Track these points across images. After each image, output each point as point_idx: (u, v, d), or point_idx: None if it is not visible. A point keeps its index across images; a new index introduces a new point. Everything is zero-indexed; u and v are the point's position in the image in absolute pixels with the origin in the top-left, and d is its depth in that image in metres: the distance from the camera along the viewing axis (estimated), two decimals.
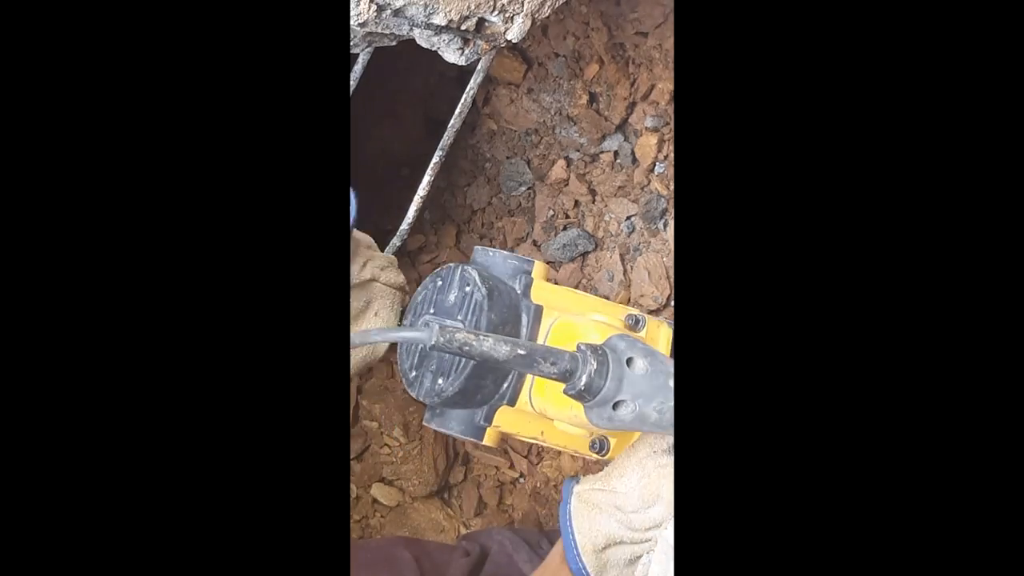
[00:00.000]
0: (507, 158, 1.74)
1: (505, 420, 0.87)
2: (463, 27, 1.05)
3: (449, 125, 1.16)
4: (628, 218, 1.66)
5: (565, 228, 1.69)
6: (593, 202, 1.69)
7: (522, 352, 0.73)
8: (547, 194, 1.71)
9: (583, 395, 0.74)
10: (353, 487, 1.64)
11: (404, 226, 1.15)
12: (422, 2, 1.00)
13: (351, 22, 1.00)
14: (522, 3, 1.07)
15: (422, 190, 1.15)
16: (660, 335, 0.89)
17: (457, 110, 1.16)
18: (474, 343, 0.73)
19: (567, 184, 1.70)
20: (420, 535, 1.60)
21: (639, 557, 0.81)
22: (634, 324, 0.89)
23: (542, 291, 0.87)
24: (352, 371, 0.98)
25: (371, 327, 0.95)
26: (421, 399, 0.88)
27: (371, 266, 0.97)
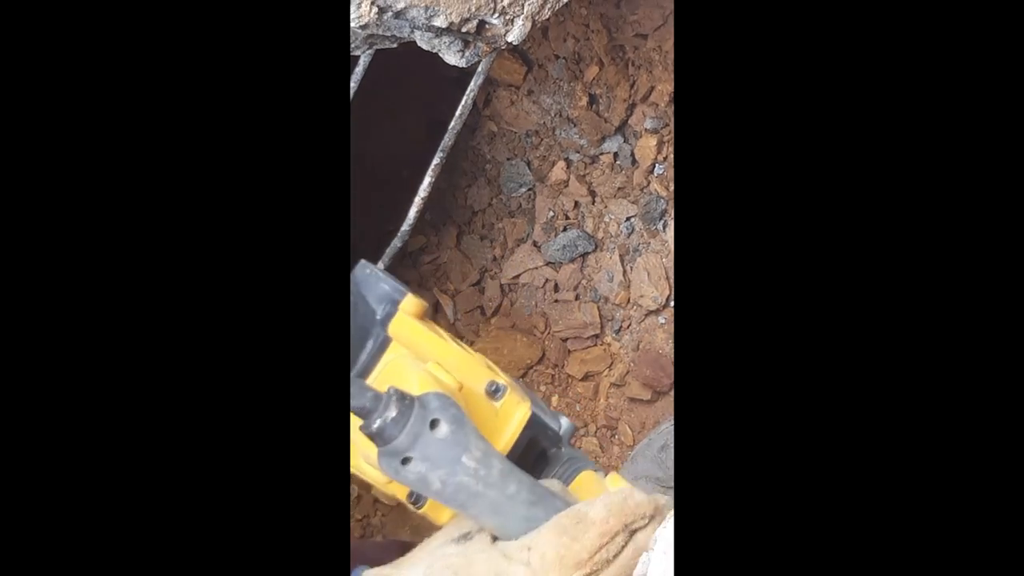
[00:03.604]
0: (507, 159, 1.75)
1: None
2: (464, 29, 1.05)
3: (450, 127, 1.16)
4: (628, 219, 1.67)
5: (565, 229, 1.70)
6: (593, 203, 1.70)
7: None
8: (547, 195, 1.72)
9: (374, 438, 0.71)
10: (353, 487, 1.64)
11: (405, 227, 1.15)
12: (423, 4, 1.00)
13: (352, 24, 1.00)
14: (522, 5, 1.07)
15: (423, 191, 1.15)
16: (516, 413, 0.84)
17: (457, 112, 1.16)
18: None
19: (567, 185, 1.70)
20: (421, 535, 1.60)
21: None
22: (493, 392, 0.83)
23: (403, 326, 0.82)
24: None
25: None
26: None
27: None
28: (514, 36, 1.09)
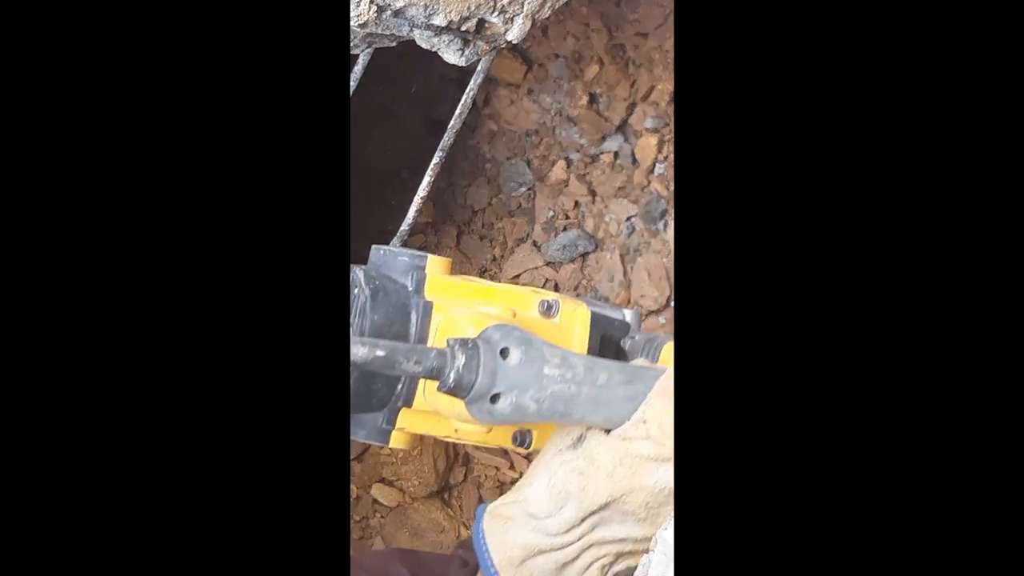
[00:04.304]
0: (507, 159, 1.75)
1: (409, 422, 0.84)
2: (463, 28, 1.05)
3: (449, 126, 1.16)
4: (628, 219, 1.67)
5: (565, 229, 1.69)
6: (593, 203, 1.69)
7: (381, 353, 0.71)
8: (547, 195, 1.71)
9: (455, 391, 0.72)
10: (353, 487, 1.64)
11: (404, 227, 1.15)
12: (422, 3, 1.00)
13: (351, 23, 1.00)
14: (522, 4, 1.07)
15: (422, 191, 1.15)
16: (576, 318, 0.85)
17: (457, 111, 1.16)
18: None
19: (567, 185, 1.70)
20: (421, 535, 1.60)
21: (568, 563, 0.77)
22: (547, 310, 0.84)
23: (437, 286, 0.84)
24: None
25: None
26: None
27: None
28: (514, 35, 1.08)
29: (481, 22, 1.07)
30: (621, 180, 1.68)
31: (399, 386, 0.82)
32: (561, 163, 1.70)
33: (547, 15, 1.10)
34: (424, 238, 1.72)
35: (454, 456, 1.67)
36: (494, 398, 0.72)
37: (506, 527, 0.78)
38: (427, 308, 0.82)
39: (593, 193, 1.69)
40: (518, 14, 1.07)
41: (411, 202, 1.15)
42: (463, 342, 0.73)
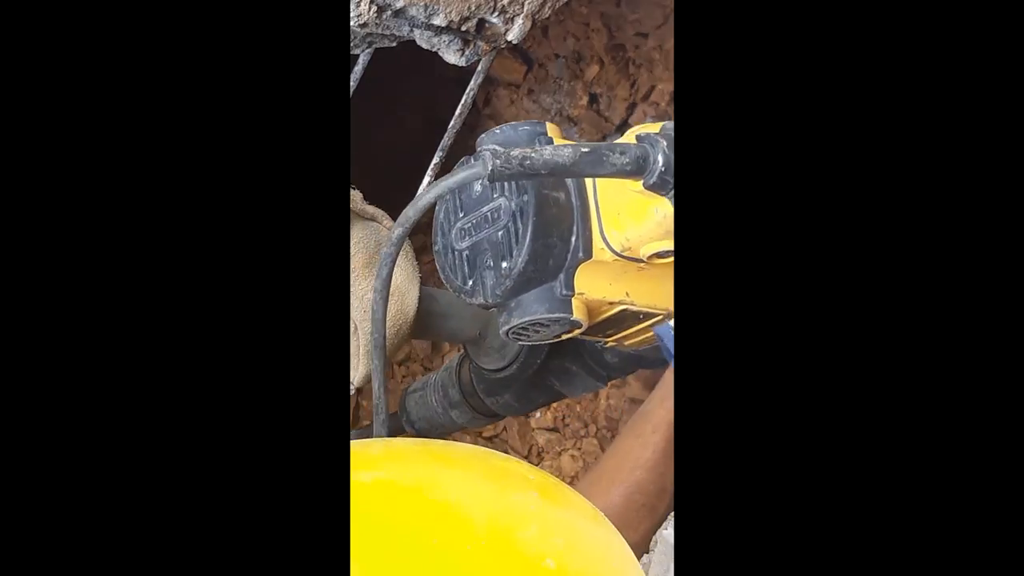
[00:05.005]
0: None
1: (587, 282, 0.80)
2: (463, 28, 1.05)
3: (449, 126, 1.16)
4: None
5: None
6: None
7: (586, 150, 0.68)
8: None
9: (665, 180, 0.69)
10: None
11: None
12: (422, 3, 1.00)
13: (351, 23, 1.00)
14: (522, 4, 1.07)
15: (422, 191, 1.15)
16: None
17: (457, 111, 1.16)
18: (533, 156, 0.67)
19: None
20: None
21: None
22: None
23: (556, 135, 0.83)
24: (390, 335, 0.90)
25: (391, 277, 0.88)
26: (490, 301, 0.82)
27: (369, 205, 0.93)
28: (514, 35, 1.09)
29: (481, 22, 1.07)
30: None
31: (573, 237, 0.79)
32: None
33: (547, 15, 1.10)
34: (424, 238, 1.72)
35: None
36: None
37: None
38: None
39: None
40: (518, 14, 1.07)
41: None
42: (653, 134, 0.70)
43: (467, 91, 1.16)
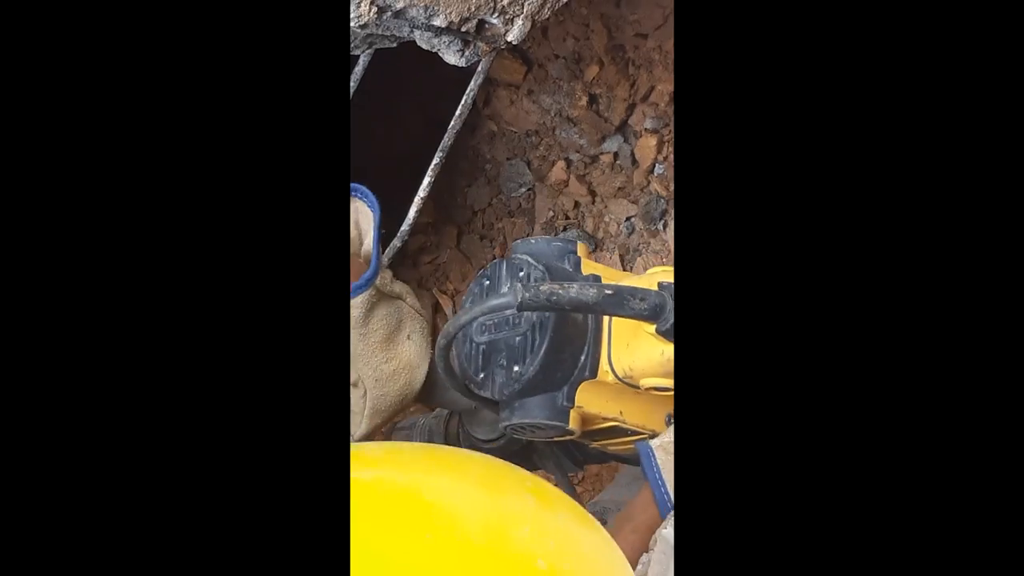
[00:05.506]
0: (507, 159, 1.75)
1: (587, 397, 0.84)
2: (463, 29, 1.05)
3: (449, 126, 1.17)
4: (628, 219, 1.67)
5: (565, 229, 1.70)
6: (593, 203, 1.70)
7: (610, 292, 0.73)
8: (547, 195, 1.71)
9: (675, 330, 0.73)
10: None
11: (405, 227, 1.15)
12: (422, 4, 1.00)
13: (351, 24, 1.00)
14: (522, 5, 1.07)
15: (422, 191, 1.15)
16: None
17: (457, 111, 1.16)
18: (560, 292, 0.72)
19: (567, 185, 1.70)
20: None
21: None
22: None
23: (590, 268, 0.87)
24: (389, 408, 0.96)
25: (405, 350, 0.94)
26: (496, 397, 0.86)
27: (397, 283, 0.96)
28: (514, 35, 1.09)
29: (481, 23, 1.07)
30: (621, 180, 1.68)
31: (583, 356, 0.83)
32: (561, 164, 1.70)
33: (547, 16, 1.10)
34: (424, 238, 1.72)
35: None
36: None
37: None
38: (578, 263, 0.87)
39: (593, 193, 1.69)
40: (518, 15, 1.07)
41: (411, 202, 1.16)
42: (671, 285, 0.75)
43: (467, 91, 1.16)
